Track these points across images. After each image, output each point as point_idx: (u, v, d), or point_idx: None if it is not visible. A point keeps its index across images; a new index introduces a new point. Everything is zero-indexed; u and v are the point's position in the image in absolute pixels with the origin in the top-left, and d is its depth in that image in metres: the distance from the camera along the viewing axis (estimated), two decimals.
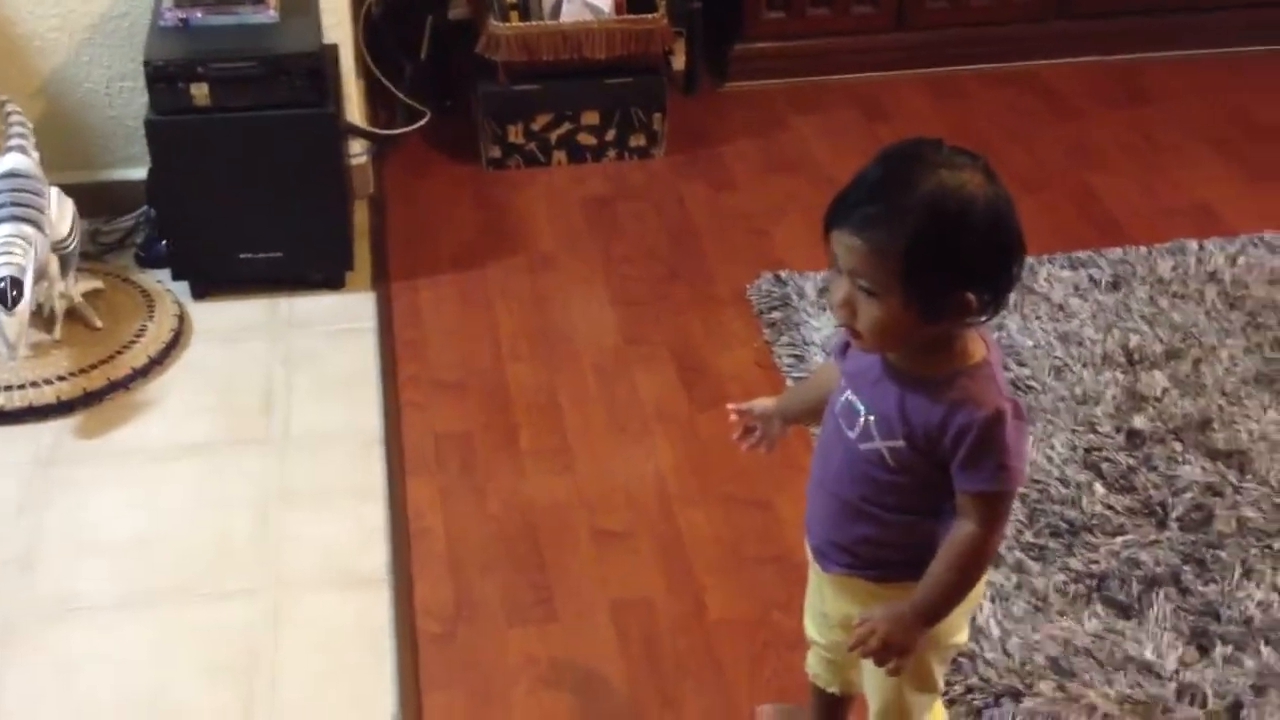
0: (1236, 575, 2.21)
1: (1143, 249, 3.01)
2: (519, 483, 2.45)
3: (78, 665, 2.11)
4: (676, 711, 2.04)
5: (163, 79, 2.65)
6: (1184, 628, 2.12)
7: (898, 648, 1.52)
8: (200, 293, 2.89)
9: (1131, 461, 2.42)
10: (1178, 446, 2.46)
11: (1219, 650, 2.08)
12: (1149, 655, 2.07)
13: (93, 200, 2.93)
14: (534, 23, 3.23)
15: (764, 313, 2.84)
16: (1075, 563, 2.22)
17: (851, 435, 1.52)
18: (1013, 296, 1.49)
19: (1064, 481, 2.38)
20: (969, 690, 2.02)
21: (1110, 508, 2.33)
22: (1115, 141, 3.49)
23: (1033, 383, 2.61)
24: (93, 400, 2.59)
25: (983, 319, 1.43)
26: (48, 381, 2.59)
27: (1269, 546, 2.26)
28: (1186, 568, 2.22)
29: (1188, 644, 2.09)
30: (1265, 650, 2.08)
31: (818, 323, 2.77)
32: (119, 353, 2.68)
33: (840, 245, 1.41)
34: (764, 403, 1.73)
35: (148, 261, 2.96)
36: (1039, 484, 2.37)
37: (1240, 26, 3.87)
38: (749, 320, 2.84)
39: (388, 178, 3.33)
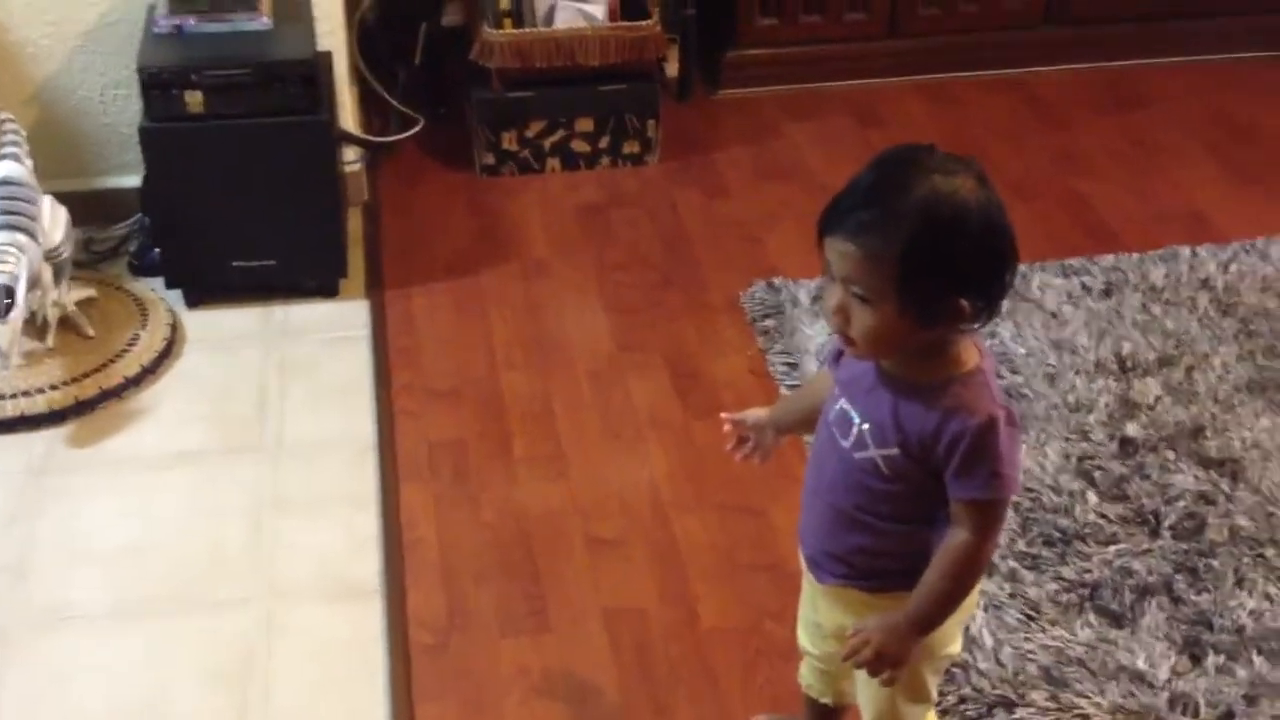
0: (1229, 584, 2.21)
1: (1135, 256, 3.01)
2: (513, 491, 2.45)
3: (70, 675, 2.10)
4: None
5: (157, 86, 2.65)
6: (1176, 637, 2.12)
7: (891, 658, 1.52)
8: (194, 301, 2.89)
9: (1124, 470, 2.42)
10: (1170, 455, 2.46)
11: (1211, 659, 2.08)
12: (1141, 665, 2.07)
13: (86, 208, 2.92)
14: (528, 29, 3.23)
15: (757, 320, 2.84)
16: (1068, 572, 2.22)
17: (846, 444, 1.52)
18: (1005, 304, 1.48)
19: (1056, 490, 2.38)
20: (962, 700, 2.02)
21: (1103, 516, 2.33)
22: (1107, 148, 3.49)
23: (1025, 390, 2.61)
24: (85, 409, 2.59)
25: (976, 325, 1.43)
26: (40, 390, 2.58)
27: (1261, 555, 2.26)
28: (1179, 577, 2.22)
29: (1180, 653, 2.09)
30: (1258, 659, 2.08)
31: (811, 330, 2.77)
32: (112, 361, 2.67)
33: (834, 252, 1.41)
34: (757, 413, 1.73)
35: (141, 269, 2.96)
36: (1032, 492, 2.37)
37: (1230, 33, 3.88)
38: (743, 327, 2.85)
39: (382, 185, 3.33)
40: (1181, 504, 2.35)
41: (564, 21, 3.24)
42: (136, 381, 2.66)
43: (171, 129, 2.68)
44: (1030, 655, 2.08)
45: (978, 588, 1.58)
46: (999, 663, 2.07)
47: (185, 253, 2.83)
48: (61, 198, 2.74)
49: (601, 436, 2.57)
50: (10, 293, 2.44)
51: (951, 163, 1.41)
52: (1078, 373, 2.66)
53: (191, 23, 2.76)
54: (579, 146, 3.36)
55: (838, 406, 1.54)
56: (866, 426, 1.50)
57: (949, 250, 1.38)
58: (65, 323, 2.73)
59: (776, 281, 2.93)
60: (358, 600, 2.22)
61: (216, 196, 2.75)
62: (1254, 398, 2.60)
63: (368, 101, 3.40)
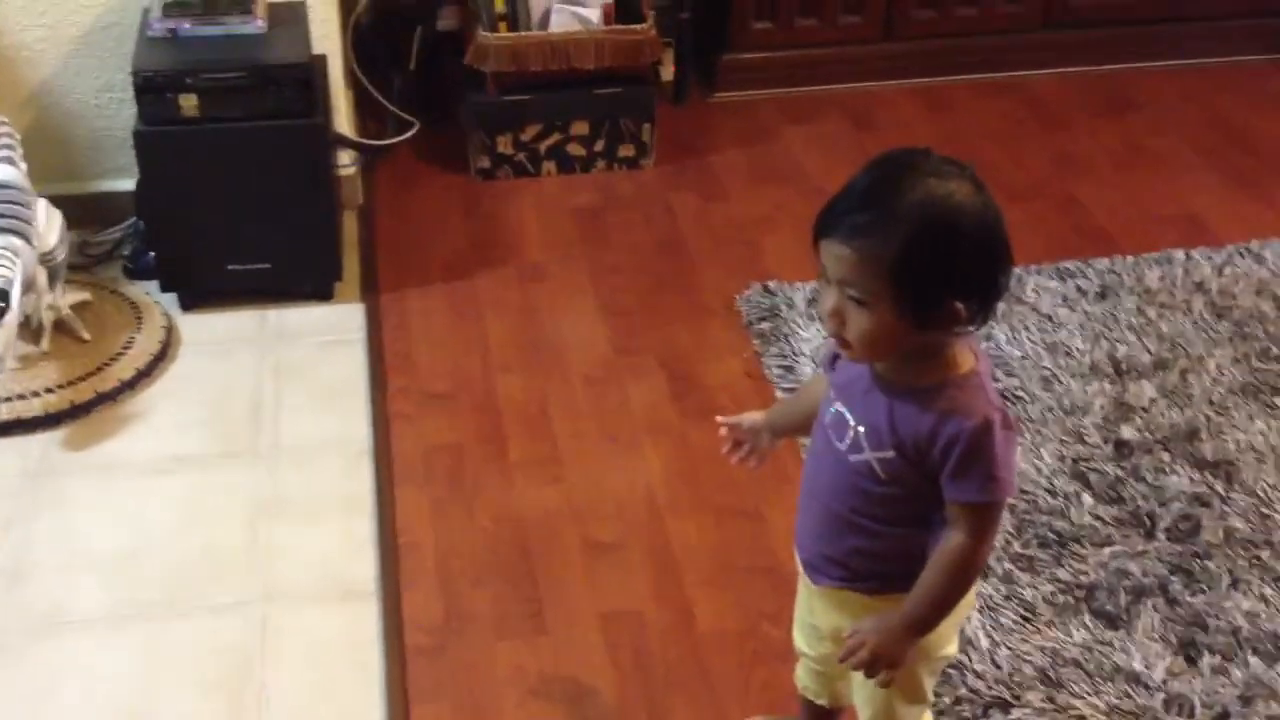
0: (1224, 586, 2.21)
1: (1130, 259, 3.02)
2: (508, 494, 2.45)
3: (66, 679, 2.10)
4: None
5: (151, 89, 2.65)
6: (1172, 638, 2.12)
7: (888, 660, 1.52)
8: (188, 304, 2.89)
9: (1119, 472, 2.43)
10: (1165, 457, 2.46)
11: (1206, 660, 2.09)
12: (1137, 666, 2.08)
13: (81, 211, 2.92)
14: (523, 33, 3.23)
15: (753, 323, 2.84)
16: (1063, 573, 2.23)
17: (841, 447, 1.52)
18: (1001, 307, 1.49)
19: (1052, 492, 2.38)
20: (958, 701, 2.02)
21: (1098, 518, 2.33)
22: (1102, 151, 3.50)
23: (1021, 393, 2.61)
24: (80, 413, 2.59)
25: (971, 328, 1.44)
26: (35, 394, 2.58)
27: (1256, 557, 2.27)
28: (1174, 578, 2.22)
29: (1175, 654, 2.10)
30: (1253, 660, 2.09)
31: (807, 333, 2.77)
32: (107, 365, 2.67)
33: (829, 255, 1.41)
34: (753, 416, 1.73)
35: (136, 273, 2.96)
36: (1027, 495, 2.37)
37: (1226, 36, 3.89)
38: (738, 331, 2.85)
39: (377, 189, 3.33)
40: (1176, 506, 2.35)
41: (559, 25, 3.24)
42: (131, 385, 2.66)
43: (166, 132, 2.68)
44: (1026, 656, 2.09)
45: (974, 589, 1.59)
46: (995, 664, 2.07)
47: (180, 256, 2.83)
48: (56, 201, 2.74)
49: (597, 439, 2.57)
50: (5, 296, 2.44)
51: (947, 166, 1.41)
52: (1073, 375, 2.66)
53: (186, 26, 2.76)
54: (574, 150, 3.37)
55: (833, 409, 1.54)
56: (862, 429, 1.50)
57: (944, 253, 1.38)
58: (60, 326, 2.72)
59: (772, 284, 2.94)
60: (354, 603, 2.22)
61: (211, 200, 2.75)
62: (1248, 400, 2.61)
63: (363, 105, 3.40)
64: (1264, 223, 3.17)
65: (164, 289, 2.88)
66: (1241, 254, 3.04)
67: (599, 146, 3.37)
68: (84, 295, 2.82)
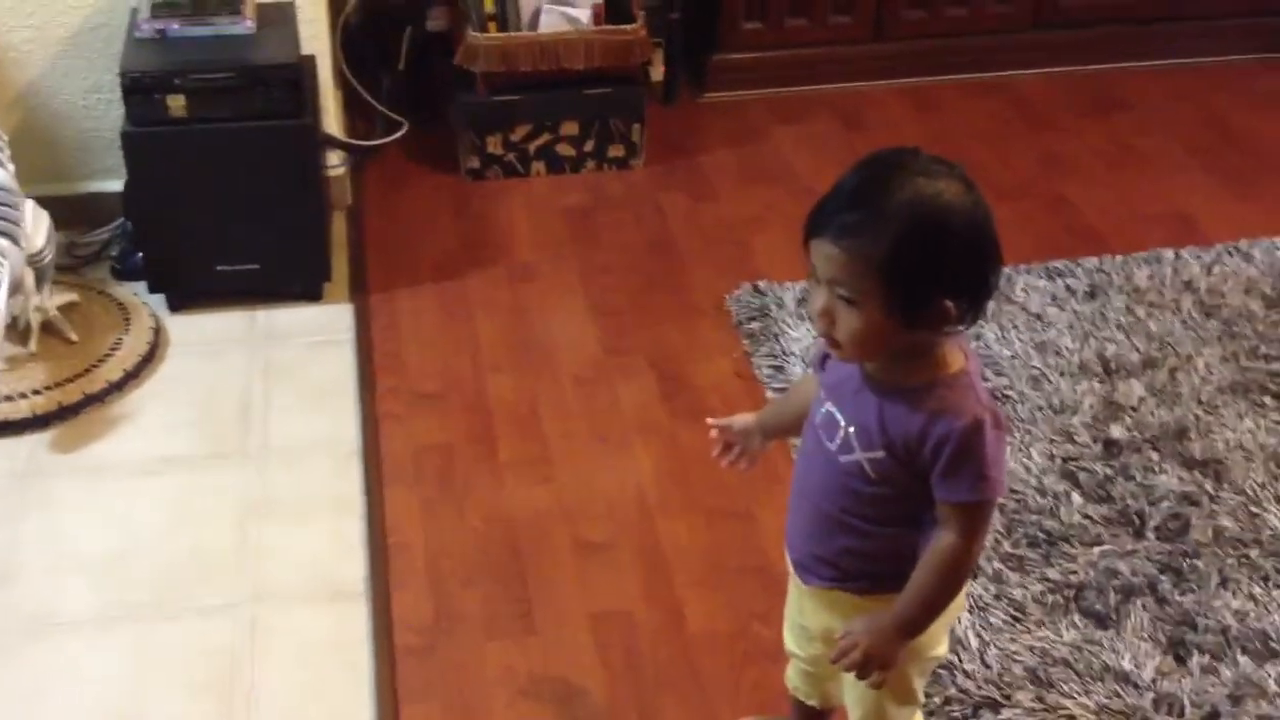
0: (1213, 585, 2.21)
1: (1119, 258, 3.02)
2: (498, 494, 2.44)
3: (54, 681, 2.09)
4: None
5: (139, 90, 2.64)
6: (1161, 637, 2.13)
7: (879, 660, 1.52)
8: (177, 305, 2.88)
9: (1109, 471, 2.43)
10: (1154, 456, 2.47)
11: (1196, 660, 2.09)
12: (1126, 665, 2.08)
13: (68, 212, 2.91)
14: (512, 33, 3.23)
15: (743, 323, 2.84)
16: (1053, 573, 2.23)
17: (832, 447, 1.52)
18: (990, 306, 1.49)
19: (1041, 491, 2.39)
20: (948, 701, 2.02)
21: (1088, 517, 2.34)
22: (1091, 151, 3.51)
23: (1010, 392, 2.62)
24: (68, 414, 2.58)
25: (961, 327, 1.44)
26: (22, 395, 2.57)
27: (1245, 556, 2.27)
28: (1164, 577, 2.22)
29: (1165, 654, 2.10)
30: (1242, 660, 2.09)
31: (797, 333, 2.77)
32: (95, 366, 2.66)
33: (819, 254, 1.41)
34: (743, 418, 1.73)
35: (124, 274, 2.95)
36: (1017, 494, 2.38)
37: (1214, 36, 3.90)
38: (728, 330, 2.85)
39: (366, 189, 3.32)
40: (1166, 505, 2.36)
41: (549, 25, 3.24)
42: (120, 386, 2.65)
43: (154, 133, 2.67)
44: (1016, 656, 2.09)
45: (965, 589, 1.59)
46: (985, 664, 2.07)
47: (168, 257, 2.82)
48: (44, 202, 2.73)
49: (588, 439, 2.57)
50: None
51: (936, 165, 1.41)
52: (1062, 374, 2.66)
53: (174, 27, 2.75)
54: (564, 150, 3.36)
55: (824, 410, 1.54)
56: (852, 429, 1.50)
57: (934, 251, 1.38)
58: (48, 328, 2.72)
59: (762, 284, 2.94)
60: (343, 603, 2.22)
61: (199, 201, 2.75)
62: (1237, 399, 2.61)
63: (352, 105, 3.40)
64: (1253, 222, 3.18)
65: (152, 290, 2.87)
66: (1230, 253, 3.04)
67: (589, 147, 3.36)
68: (72, 296, 2.81)
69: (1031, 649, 2.10)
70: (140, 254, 2.88)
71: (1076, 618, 2.16)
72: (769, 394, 2.64)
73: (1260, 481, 2.41)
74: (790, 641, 1.79)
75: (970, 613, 2.15)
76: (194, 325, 2.84)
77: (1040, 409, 2.58)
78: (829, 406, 1.53)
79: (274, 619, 2.19)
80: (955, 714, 2.01)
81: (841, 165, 1.47)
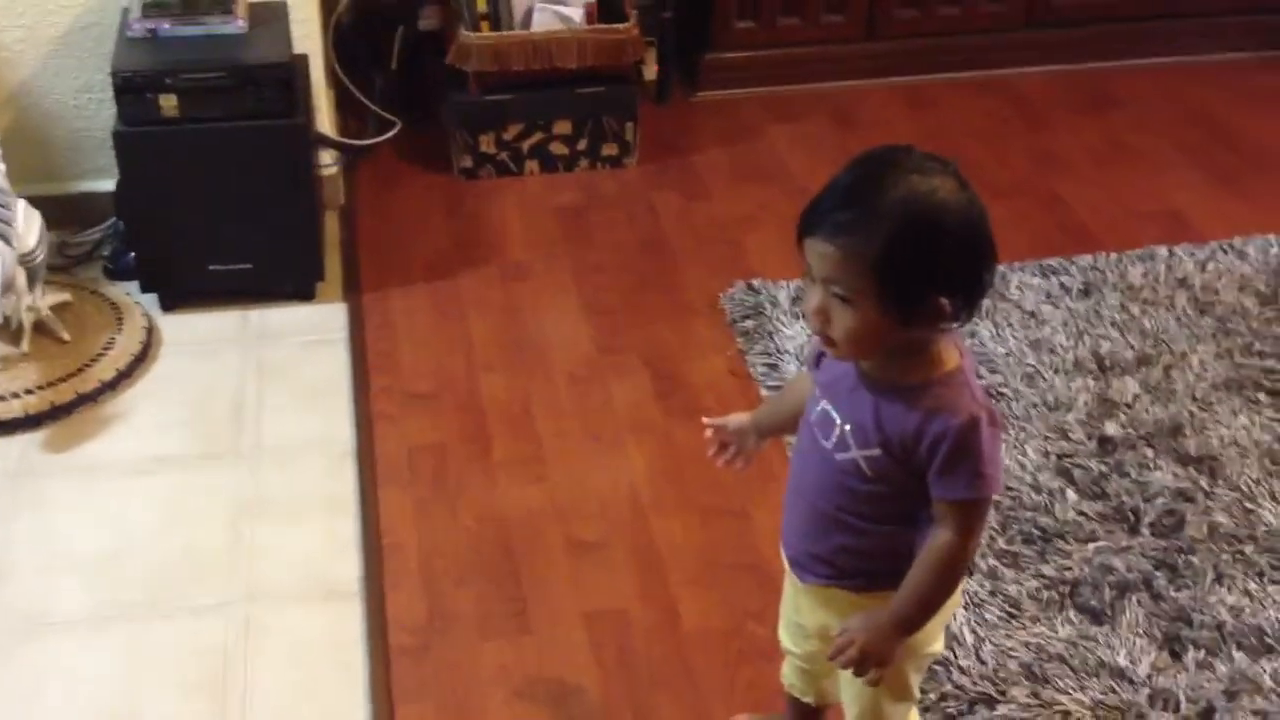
0: (1208, 581, 2.22)
1: (1113, 256, 3.02)
2: (492, 493, 2.44)
3: (47, 681, 2.08)
4: None
5: (131, 90, 2.63)
6: (1156, 633, 2.13)
7: (876, 658, 1.52)
8: (169, 305, 2.87)
9: (1103, 468, 2.43)
10: (1149, 452, 2.47)
11: (1191, 655, 2.09)
12: (1122, 661, 2.08)
13: (60, 212, 2.91)
14: (505, 32, 3.22)
15: (737, 321, 2.84)
16: (1048, 569, 2.23)
17: (828, 445, 1.52)
18: (985, 303, 1.49)
19: (1036, 488, 2.39)
20: (943, 698, 2.02)
21: (1082, 514, 2.34)
22: (1085, 148, 3.51)
23: (1004, 389, 2.62)
24: (61, 414, 2.57)
25: (956, 325, 1.44)
26: (15, 395, 2.56)
27: (1240, 551, 2.27)
28: (1159, 573, 2.22)
29: (1160, 649, 2.10)
30: (1237, 655, 2.09)
31: (791, 331, 2.77)
32: (87, 366, 2.66)
33: (813, 253, 1.41)
34: (739, 418, 1.72)
35: (116, 274, 2.94)
36: (1011, 491, 2.38)
37: (1209, 34, 3.90)
38: (722, 329, 2.84)
39: (359, 188, 3.32)
40: (1160, 501, 2.36)
41: (541, 24, 3.23)
42: (112, 386, 2.64)
43: (146, 133, 2.67)
44: (1011, 652, 2.09)
45: (961, 587, 1.58)
46: (980, 660, 2.07)
47: (160, 256, 2.81)
48: (35, 202, 2.72)
49: (581, 438, 2.57)
50: None
51: (929, 162, 1.41)
52: (1056, 372, 2.66)
53: (166, 26, 2.74)
54: (557, 149, 3.36)
55: (819, 408, 1.54)
56: (848, 427, 1.50)
57: (928, 249, 1.38)
58: (40, 327, 2.71)
59: (756, 283, 2.93)
60: (337, 603, 2.21)
61: (191, 200, 2.74)
62: (1231, 395, 2.61)
63: (344, 105, 3.39)
64: (1246, 219, 3.18)
65: (144, 289, 2.87)
66: (1224, 250, 3.05)
67: (582, 145, 3.36)
68: (64, 296, 2.81)
69: (1027, 645, 2.10)
70: (132, 253, 2.87)
71: (1072, 614, 2.16)
72: (763, 392, 2.64)
73: (1255, 478, 2.41)
74: (786, 639, 1.78)
75: (966, 609, 2.15)
76: (187, 325, 2.84)
77: (1035, 406, 2.58)
78: (824, 405, 1.53)
79: (267, 619, 2.19)
80: (951, 710, 2.00)
81: (835, 164, 1.46)
